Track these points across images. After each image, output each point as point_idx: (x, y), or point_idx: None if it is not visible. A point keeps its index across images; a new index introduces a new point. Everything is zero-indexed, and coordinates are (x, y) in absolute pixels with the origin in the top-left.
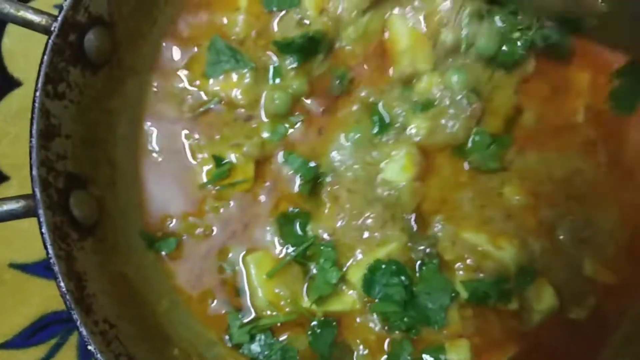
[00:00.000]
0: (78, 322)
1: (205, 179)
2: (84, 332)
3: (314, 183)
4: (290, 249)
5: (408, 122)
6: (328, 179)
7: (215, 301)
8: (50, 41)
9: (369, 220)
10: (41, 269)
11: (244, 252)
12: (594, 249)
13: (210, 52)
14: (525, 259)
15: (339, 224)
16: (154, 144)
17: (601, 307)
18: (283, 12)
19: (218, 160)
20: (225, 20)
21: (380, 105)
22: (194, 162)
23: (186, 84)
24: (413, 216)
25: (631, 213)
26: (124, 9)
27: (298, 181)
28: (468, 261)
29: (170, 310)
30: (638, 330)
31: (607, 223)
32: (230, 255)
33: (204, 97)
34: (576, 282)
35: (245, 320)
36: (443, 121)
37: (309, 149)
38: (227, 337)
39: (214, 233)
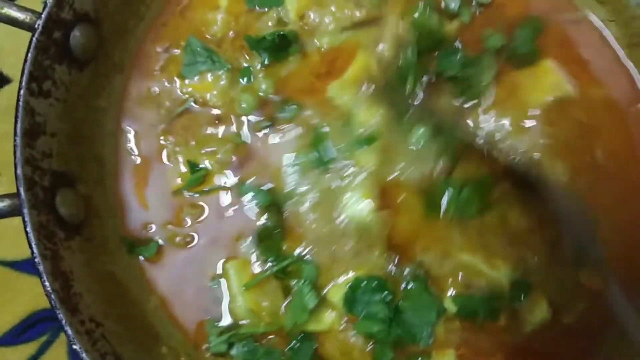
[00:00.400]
0: (63, 322)
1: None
2: (69, 332)
3: (277, 208)
4: (270, 264)
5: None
6: (288, 203)
7: (195, 308)
8: (34, 39)
9: (342, 249)
10: (30, 267)
11: (224, 260)
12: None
13: (186, 52)
14: (520, 274)
15: (310, 248)
16: (132, 146)
17: (592, 309)
18: (264, 10)
19: (192, 167)
20: (205, 19)
21: (325, 129)
22: (170, 165)
23: (164, 85)
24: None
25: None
26: (110, 5)
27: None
28: (459, 277)
29: (159, 308)
30: None
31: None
32: (210, 262)
33: (182, 98)
34: (568, 290)
35: (224, 327)
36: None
37: (262, 166)
38: (205, 346)
39: (194, 241)
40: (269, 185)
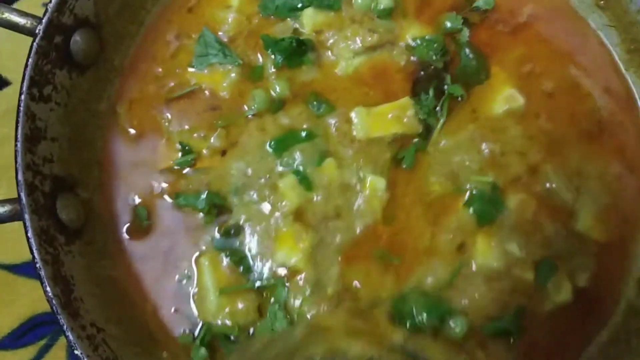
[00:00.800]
0: (64, 327)
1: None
2: (71, 337)
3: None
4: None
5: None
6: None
7: (171, 310)
8: (34, 44)
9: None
10: (30, 270)
11: (197, 254)
12: (589, 197)
13: (199, 44)
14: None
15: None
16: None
17: (600, 276)
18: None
19: (184, 147)
20: (215, 16)
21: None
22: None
23: (172, 70)
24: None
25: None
26: (110, 9)
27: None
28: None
29: (157, 312)
30: None
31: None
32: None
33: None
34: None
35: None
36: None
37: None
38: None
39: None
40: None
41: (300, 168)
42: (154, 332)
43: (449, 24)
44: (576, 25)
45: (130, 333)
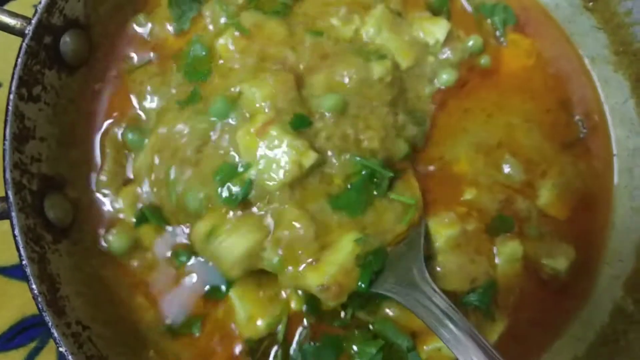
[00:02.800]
0: (50, 324)
1: None
2: (56, 334)
3: None
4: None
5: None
6: None
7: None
8: (24, 44)
9: None
10: (20, 272)
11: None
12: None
13: (170, 7)
14: None
15: None
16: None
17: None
18: None
19: None
20: None
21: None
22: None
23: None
24: None
25: None
26: (101, 10)
27: None
28: None
29: (146, 312)
30: None
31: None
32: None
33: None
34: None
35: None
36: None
37: None
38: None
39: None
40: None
41: None
42: (141, 331)
43: None
44: None
45: (117, 332)
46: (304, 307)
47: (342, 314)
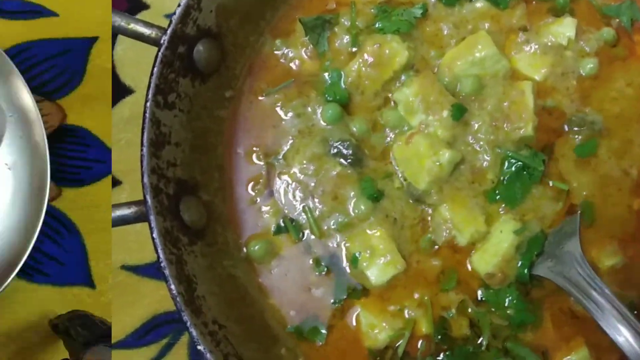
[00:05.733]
0: (188, 324)
1: None
2: (194, 333)
3: None
4: None
5: None
6: None
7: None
8: (159, 54)
9: None
10: (152, 271)
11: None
12: None
13: (307, 33)
14: None
15: None
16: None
17: None
18: None
19: None
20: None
21: None
22: None
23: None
24: None
25: None
26: (231, 21)
27: None
28: None
29: (276, 310)
30: None
31: None
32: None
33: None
34: None
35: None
36: None
37: None
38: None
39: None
40: None
41: None
42: (273, 329)
43: None
44: None
45: (249, 330)
46: (436, 337)
47: (479, 339)
